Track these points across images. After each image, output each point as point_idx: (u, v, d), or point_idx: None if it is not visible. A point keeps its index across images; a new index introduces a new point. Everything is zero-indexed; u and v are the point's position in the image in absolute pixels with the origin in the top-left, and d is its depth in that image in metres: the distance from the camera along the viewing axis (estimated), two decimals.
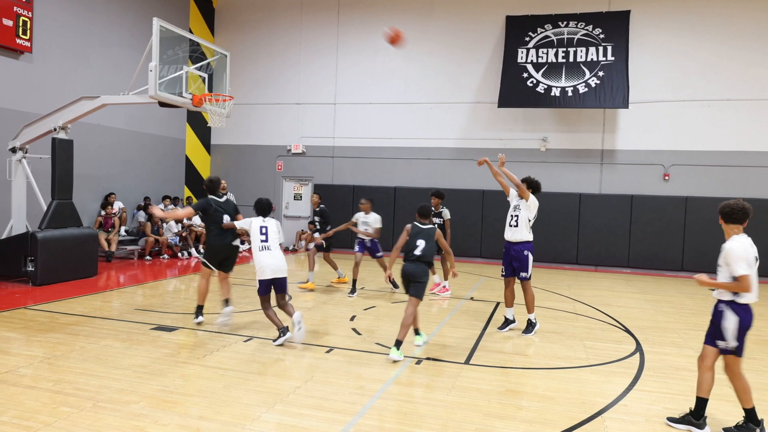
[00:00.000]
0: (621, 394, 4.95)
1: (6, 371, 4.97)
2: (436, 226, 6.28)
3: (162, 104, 9.62)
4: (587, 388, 5.06)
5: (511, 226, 7.03)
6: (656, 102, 13.85)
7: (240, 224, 6.65)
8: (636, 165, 14.04)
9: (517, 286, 7.27)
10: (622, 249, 13.77)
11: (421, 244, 5.98)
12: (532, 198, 6.96)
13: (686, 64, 13.67)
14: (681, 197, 13.53)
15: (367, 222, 9.56)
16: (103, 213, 12.64)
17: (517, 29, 14.43)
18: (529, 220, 6.97)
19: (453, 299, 9.28)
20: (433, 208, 9.84)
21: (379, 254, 9.61)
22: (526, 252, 6.90)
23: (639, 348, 6.53)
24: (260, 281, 6.18)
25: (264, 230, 6.33)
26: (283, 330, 6.09)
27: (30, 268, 9.12)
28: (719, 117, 13.48)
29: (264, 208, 6.55)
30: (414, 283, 5.93)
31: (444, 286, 9.73)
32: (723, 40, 13.42)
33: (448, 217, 9.68)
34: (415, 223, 6.17)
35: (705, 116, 13.57)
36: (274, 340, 6.08)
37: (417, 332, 6.32)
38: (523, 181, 6.98)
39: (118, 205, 13.25)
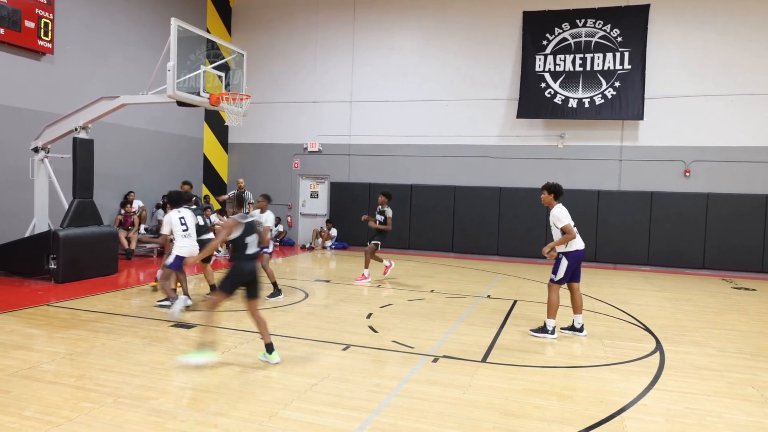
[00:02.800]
0: (641, 393, 4.89)
1: (29, 367, 5.07)
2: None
3: (180, 104, 9.71)
4: (606, 387, 5.00)
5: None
6: (677, 97, 13.63)
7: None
8: (656, 161, 13.84)
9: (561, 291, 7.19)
10: (641, 246, 13.59)
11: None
12: (553, 210, 6.77)
13: (707, 58, 13.43)
14: (702, 194, 13.30)
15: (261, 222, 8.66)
16: (122, 211, 12.81)
17: (535, 28, 14.33)
18: (560, 229, 6.68)
19: (470, 297, 9.24)
20: (379, 206, 10.28)
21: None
22: (560, 256, 6.75)
23: (659, 347, 6.43)
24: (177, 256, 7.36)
25: (183, 220, 7.54)
26: (174, 299, 7.21)
27: (52, 266, 9.28)
28: (741, 112, 13.22)
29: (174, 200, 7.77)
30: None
31: (363, 274, 10.29)
32: (744, 33, 13.16)
33: (390, 215, 10.26)
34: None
35: (726, 111, 13.32)
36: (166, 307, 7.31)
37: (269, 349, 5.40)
38: (543, 188, 6.92)
39: (137, 204, 13.42)
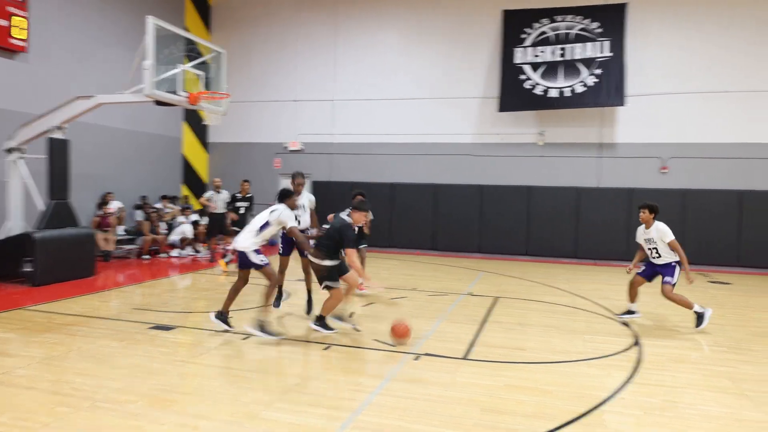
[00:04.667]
0: (619, 387, 4.95)
1: (4, 372, 4.96)
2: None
3: (158, 103, 9.59)
4: (586, 382, 5.06)
5: (653, 258, 7.40)
6: (654, 94, 13.82)
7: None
8: (634, 158, 14.03)
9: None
10: (620, 242, 13.75)
11: None
12: (660, 226, 7.33)
13: (685, 56, 13.64)
14: (679, 190, 13.52)
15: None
16: (100, 212, 12.60)
17: (514, 24, 14.42)
18: (667, 244, 7.23)
19: (452, 294, 9.26)
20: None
21: None
22: (673, 264, 7.26)
23: (638, 341, 6.52)
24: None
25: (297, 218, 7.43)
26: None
27: (28, 269, 9.09)
28: (718, 109, 13.46)
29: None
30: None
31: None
32: (721, 32, 13.39)
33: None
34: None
35: (703, 108, 13.54)
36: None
37: None
38: (644, 208, 7.47)
39: (115, 205, 13.22)
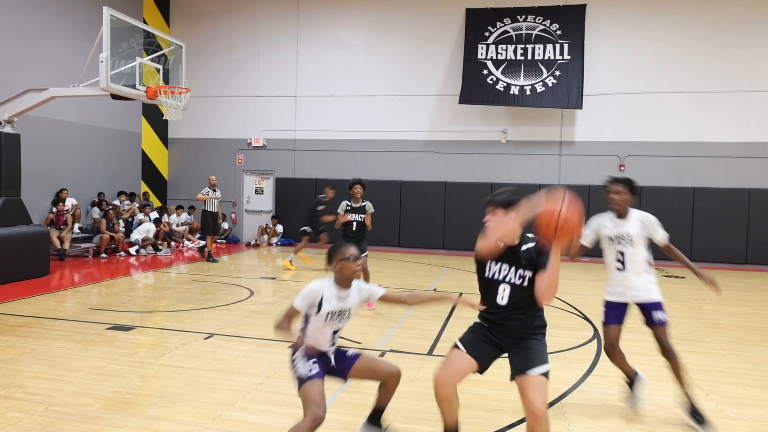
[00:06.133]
0: (579, 379, 5.07)
1: None
2: None
3: (115, 97, 9.34)
4: None
5: (618, 269, 4.39)
6: (612, 94, 14.21)
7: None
8: (593, 156, 14.39)
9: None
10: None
11: None
12: (649, 215, 4.45)
13: (640, 57, 14.06)
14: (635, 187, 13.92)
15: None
16: (54, 210, 12.18)
17: (477, 23, 14.60)
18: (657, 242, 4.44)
19: (417, 290, 9.31)
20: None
21: None
22: (654, 285, 4.47)
23: (596, 334, 6.69)
24: None
25: None
26: None
27: None
28: (672, 108, 13.93)
29: None
30: None
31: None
32: (675, 32, 13.87)
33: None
34: None
35: (658, 108, 14.00)
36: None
37: None
38: (617, 182, 4.44)
39: (70, 202, 12.80)
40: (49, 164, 12.74)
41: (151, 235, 13.41)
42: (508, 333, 3.29)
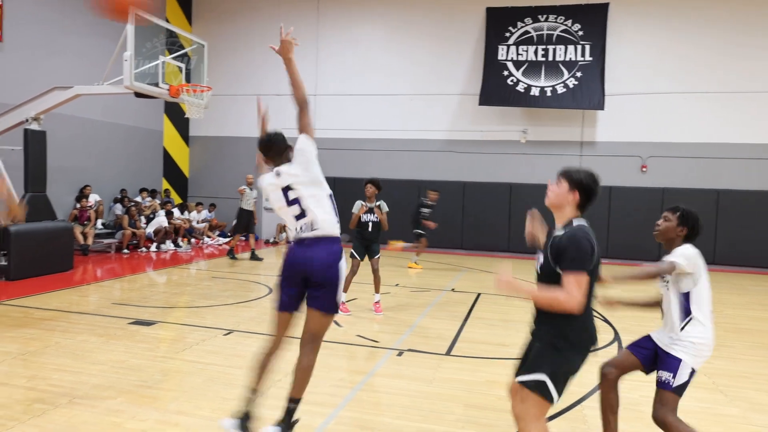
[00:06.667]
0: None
1: None
2: None
3: (138, 95, 9.46)
4: None
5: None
6: (634, 94, 14.01)
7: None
8: (614, 156, 14.21)
9: None
10: (600, 239, 13.78)
11: None
12: (682, 252, 3.50)
13: (663, 56, 13.85)
14: (658, 188, 13.73)
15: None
16: (78, 206, 12.39)
17: (498, 22, 14.51)
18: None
19: (435, 291, 9.30)
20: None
21: None
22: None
23: (617, 337, 6.61)
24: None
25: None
26: None
27: (3, 263, 8.91)
28: (695, 109, 13.70)
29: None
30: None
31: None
32: (698, 32, 13.63)
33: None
34: None
35: (681, 108, 13.77)
36: None
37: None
38: (672, 212, 3.61)
39: (94, 198, 13.01)
40: (73, 161, 12.97)
41: (163, 226, 13.54)
42: (532, 330, 2.96)
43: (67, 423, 3.84)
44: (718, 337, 6.74)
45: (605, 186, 13.97)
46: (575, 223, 2.81)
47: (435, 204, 12.26)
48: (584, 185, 2.82)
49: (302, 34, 16.16)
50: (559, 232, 2.80)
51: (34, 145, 9.58)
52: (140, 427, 3.81)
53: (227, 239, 15.46)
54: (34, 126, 9.61)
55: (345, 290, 7.89)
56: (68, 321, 6.58)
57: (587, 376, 5.15)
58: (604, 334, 6.76)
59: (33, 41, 11.87)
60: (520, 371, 2.86)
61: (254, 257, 12.32)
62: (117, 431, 3.75)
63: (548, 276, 2.75)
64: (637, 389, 4.85)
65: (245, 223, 12.37)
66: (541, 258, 2.86)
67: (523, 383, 2.75)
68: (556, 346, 2.76)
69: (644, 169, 14.04)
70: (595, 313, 7.84)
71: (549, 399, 2.69)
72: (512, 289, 2.65)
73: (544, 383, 2.68)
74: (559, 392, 2.71)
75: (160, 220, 13.67)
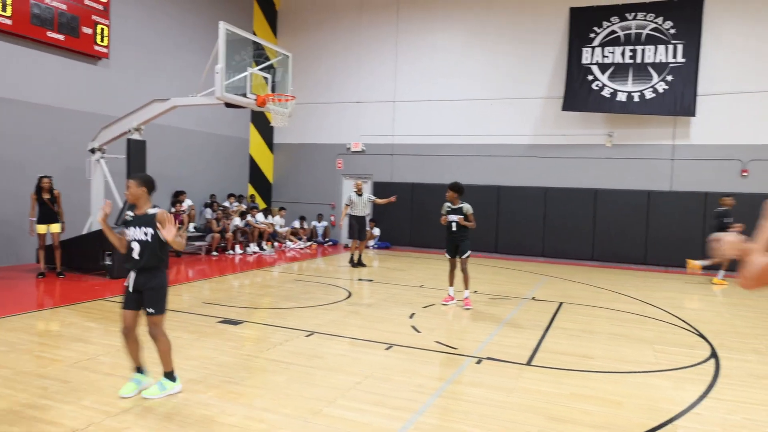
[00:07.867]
0: (694, 401, 4.70)
1: (87, 359, 5.29)
2: None
3: (228, 105, 9.95)
4: (657, 394, 4.84)
5: None
6: (732, 94, 13.06)
7: None
8: (710, 160, 13.30)
9: None
10: (695, 249, 13.06)
11: None
12: None
13: (763, 53, 12.81)
14: (761, 194, 12.70)
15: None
16: (172, 210, 13.22)
17: (582, 23, 14.02)
18: None
19: (515, 298, 9.10)
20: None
21: None
22: None
23: (714, 354, 6.18)
24: None
25: None
26: None
27: (107, 262, 9.67)
28: None
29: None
30: None
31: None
32: None
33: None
34: None
35: None
36: None
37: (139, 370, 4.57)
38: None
39: (187, 203, 13.83)
40: (169, 168, 13.86)
41: (240, 225, 14.17)
42: None
43: (164, 415, 4.10)
44: None
45: (700, 191, 13.18)
46: None
47: (730, 209, 11.39)
48: None
49: (382, 41, 16.40)
50: None
51: (136, 153, 10.32)
52: (229, 421, 4.00)
53: (308, 243, 15.93)
54: (136, 136, 10.36)
55: (450, 284, 8.46)
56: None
57: (679, 393, 4.87)
58: (699, 350, 6.34)
59: (135, 58, 12.83)
60: None
61: (355, 263, 12.23)
62: (208, 424, 3.96)
63: None
64: (738, 411, 4.53)
65: (357, 229, 12.37)
66: None
67: None
68: None
69: (745, 174, 13.04)
70: (689, 328, 7.33)
71: None
72: (740, 251, 2.11)
73: None
74: None
75: (236, 222, 14.31)
